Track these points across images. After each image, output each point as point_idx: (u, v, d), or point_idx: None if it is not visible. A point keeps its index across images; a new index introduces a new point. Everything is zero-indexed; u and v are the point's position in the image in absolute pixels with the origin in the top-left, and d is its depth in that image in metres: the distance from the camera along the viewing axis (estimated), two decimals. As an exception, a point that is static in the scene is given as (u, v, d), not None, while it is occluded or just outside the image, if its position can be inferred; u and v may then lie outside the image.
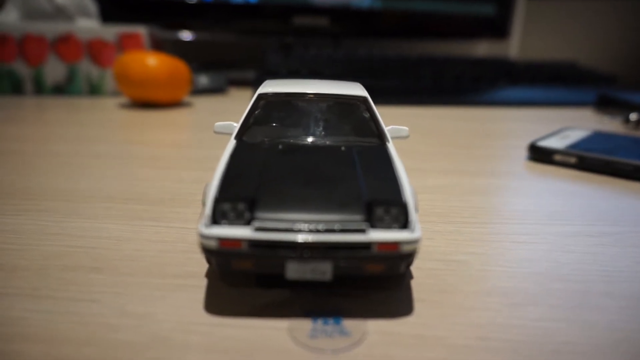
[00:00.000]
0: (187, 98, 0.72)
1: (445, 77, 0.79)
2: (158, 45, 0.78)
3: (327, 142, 0.23)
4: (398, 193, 0.18)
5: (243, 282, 0.20)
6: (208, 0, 0.84)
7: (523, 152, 0.44)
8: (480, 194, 0.33)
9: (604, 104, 0.66)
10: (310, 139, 0.23)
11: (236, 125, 0.25)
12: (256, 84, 0.76)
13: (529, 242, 0.25)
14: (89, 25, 0.70)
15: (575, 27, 1.08)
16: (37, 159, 0.38)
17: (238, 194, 0.18)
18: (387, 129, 0.25)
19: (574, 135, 0.45)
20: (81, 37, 0.68)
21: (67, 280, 0.20)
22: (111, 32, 0.69)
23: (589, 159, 0.38)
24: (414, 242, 0.17)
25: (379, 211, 0.17)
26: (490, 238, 0.26)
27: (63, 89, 0.70)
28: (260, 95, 0.26)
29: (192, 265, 0.22)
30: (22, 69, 0.68)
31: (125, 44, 0.70)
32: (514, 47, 1.09)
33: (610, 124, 0.58)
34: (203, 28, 0.89)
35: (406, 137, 0.26)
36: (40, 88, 0.69)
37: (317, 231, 0.17)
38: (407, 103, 0.70)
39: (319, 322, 0.18)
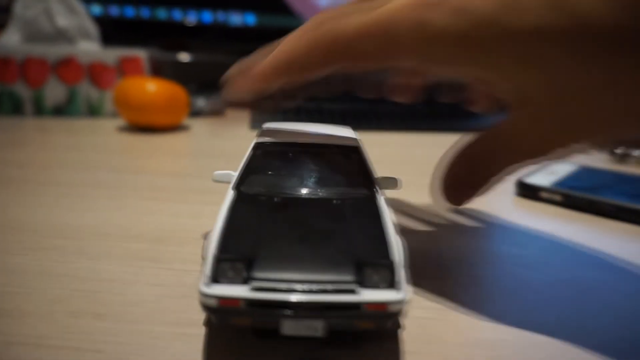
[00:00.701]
0: (185, 120, 0.73)
1: (440, 101, 0.81)
2: (157, 68, 0.79)
3: (320, 194, 0.24)
4: (386, 252, 0.19)
5: (241, 332, 0.21)
6: (207, 22, 0.86)
7: (511, 187, 0.45)
8: (469, 234, 0.34)
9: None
10: (304, 191, 0.24)
11: (234, 175, 0.26)
12: (252, 105, 0.77)
13: (511, 289, 0.27)
14: (90, 49, 0.72)
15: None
16: (37, 187, 0.39)
17: (237, 252, 0.19)
18: (378, 179, 0.26)
19: (561, 170, 0.46)
20: (82, 60, 0.70)
21: (72, 328, 0.21)
22: (112, 55, 0.71)
23: (573, 198, 0.39)
24: (400, 302, 0.18)
25: (368, 271, 0.19)
26: (478, 282, 0.27)
27: (63, 110, 0.71)
28: (258, 145, 0.27)
29: (191, 311, 0.23)
30: (22, 90, 0.69)
31: (125, 67, 0.72)
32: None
33: (598, 157, 0.59)
34: (201, 49, 0.91)
35: (398, 189, 0.27)
36: (40, 109, 0.70)
37: (311, 292, 0.18)
38: (403, 129, 0.72)
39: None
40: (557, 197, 0.40)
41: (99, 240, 0.30)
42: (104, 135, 0.61)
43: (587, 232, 0.35)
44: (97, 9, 0.82)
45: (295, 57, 0.25)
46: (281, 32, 0.96)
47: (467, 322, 0.23)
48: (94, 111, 0.72)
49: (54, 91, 0.70)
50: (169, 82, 0.64)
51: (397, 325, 0.20)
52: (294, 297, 0.18)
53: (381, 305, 0.18)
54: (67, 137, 0.59)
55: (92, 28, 0.75)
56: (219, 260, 0.19)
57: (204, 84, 0.92)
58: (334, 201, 0.23)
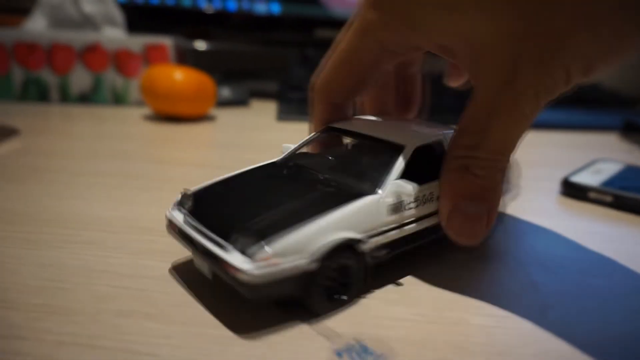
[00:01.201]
0: (211, 111, 0.72)
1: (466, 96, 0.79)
2: (182, 56, 0.78)
3: (325, 176, 0.25)
4: (269, 229, 0.20)
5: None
6: (231, 10, 0.85)
7: (555, 185, 0.43)
8: (517, 234, 0.32)
9: (630, 130, 0.66)
10: (318, 171, 0.26)
11: (290, 148, 0.30)
12: (279, 98, 0.76)
13: (574, 295, 0.25)
14: (115, 35, 0.71)
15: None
16: (67, 178, 0.39)
17: (199, 193, 0.25)
18: (392, 182, 0.24)
19: (607, 169, 0.44)
20: (108, 47, 0.69)
21: (122, 329, 0.20)
22: (137, 42, 0.70)
23: (625, 199, 0.38)
24: (245, 272, 0.19)
25: (235, 236, 0.21)
26: (534, 290, 0.25)
27: (88, 98, 0.70)
28: (326, 128, 0.29)
29: (243, 314, 0.22)
30: (49, 77, 0.69)
31: (150, 54, 0.71)
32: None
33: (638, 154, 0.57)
34: (226, 38, 0.90)
35: (408, 194, 0.24)
36: (65, 96, 0.70)
37: (207, 238, 0.22)
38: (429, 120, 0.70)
39: None
40: (608, 198, 0.38)
41: (138, 234, 0.29)
42: (130, 124, 0.60)
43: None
44: (122, -5, 0.81)
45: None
46: (305, 21, 0.95)
47: (533, 331, 0.22)
48: (119, 99, 0.71)
49: (80, 78, 0.69)
50: (196, 71, 0.62)
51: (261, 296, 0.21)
52: (195, 236, 0.22)
53: (230, 268, 0.20)
54: (94, 125, 0.58)
55: (118, 14, 0.74)
56: (183, 194, 0.25)
57: (228, 72, 0.91)
58: (326, 186, 0.24)
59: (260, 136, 0.57)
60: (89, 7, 0.71)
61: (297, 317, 0.22)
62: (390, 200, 0.24)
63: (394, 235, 0.24)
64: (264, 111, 0.74)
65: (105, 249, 0.27)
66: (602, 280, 0.27)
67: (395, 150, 0.25)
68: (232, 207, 0.24)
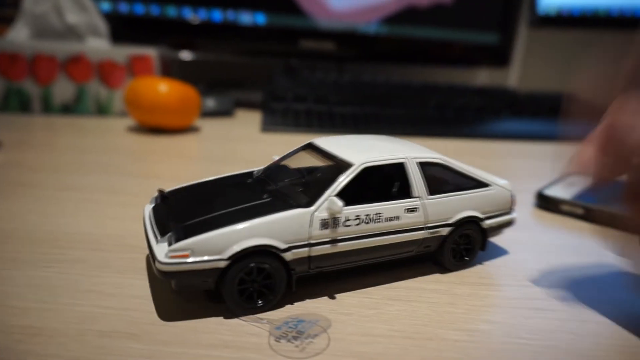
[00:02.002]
0: (195, 123, 0.73)
1: (449, 106, 0.80)
2: (167, 67, 0.78)
3: (278, 188, 0.27)
4: (197, 229, 0.23)
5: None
6: (216, 21, 0.85)
7: (530, 198, 0.45)
8: (493, 248, 0.34)
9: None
10: (280, 181, 0.28)
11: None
12: (263, 109, 0.76)
13: (545, 309, 0.26)
14: (99, 46, 0.71)
15: (575, 58, 1.10)
16: (52, 193, 0.39)
17: (169, 193, 0.29)
18: (326, 199, 0.25)
19: (580, 182, 0.46)
20: (92, 57, 0.69)
21: (105, 349, 0.21)
22: (122, 53, 0.70)
23: (595, 212, 0.39)
24: (158, 261, 0.22)
25: (169, 232, 0.24)
26: (507, 304, 0.27)
27: (71, 109, 0.70)
28: (307, 145, 0.31)
29: (223, 332, 0.22)
30: (31, 87, 0.68)
31: (135, 65, 0.71)
32: (514, 76, 1.11)
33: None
34: (210, 49, 0.90)
35: (337, 211, 0.25)
36: (48, 107, 0.70)
37: (152, 232, 0.25)
38: (412, 133, 0.71)
39: None
40: (579, 210, 0.40)
41: (122, 252, 0.30)
42: (114, 136, 0.60)
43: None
44: (106, 5, 0.81)
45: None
46: (290, 32, 0.96)
47: (504, 345, 0.23)
48: (102, 110, 0.71)
49: (63, 89, 0.69)
50: (180, 83, 0.63)
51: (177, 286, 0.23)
52: (147, 228, 0.26)
53: (153, 256, 0.23)
54: (77, 137, 0.58)
55: (102, 25, 0.74)
56: (159, 190, 0.29)
57: (213, 82, 0.92)
58: (270, 196, 0.26)
59: (244, 148, 0.58)
60: (72, 17, 0.71)
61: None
62: (323, 215, 0.25)
63: (325, 249, 0.25)
64: (248, 121, 0.74)
65: (90, 268, 0.28)
66: (570, 293, 0.28)
67: (343, 168, 0.26)
68: (184, 207, 0.26)
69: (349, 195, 0.25)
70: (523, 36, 1.08)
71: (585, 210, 0.40)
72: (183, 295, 0.25)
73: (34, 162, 0.47)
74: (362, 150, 0.28)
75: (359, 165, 0.26)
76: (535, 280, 0.29)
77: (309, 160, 0.31)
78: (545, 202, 0.42)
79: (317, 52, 0.90)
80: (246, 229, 0.23)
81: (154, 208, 0.27)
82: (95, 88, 0.70)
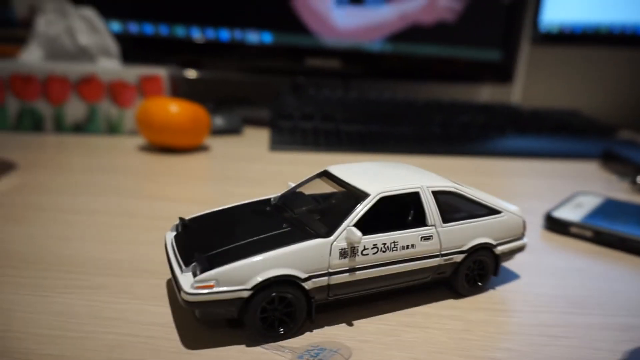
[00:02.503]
0: (205, 142, 0.74)
1: (454, 124, 0.81)
2: (176, 85, 0.80)
3: (298, 217, 0.28)
4: (220, 259, 0.24)
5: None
6: (224, 40, 0.87)
7: (539, 220, 0.45)
8: (503, 271, 0.34)
9: (609, 160, 0.69)
10: (297, 209, 0.29)
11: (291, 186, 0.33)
12: (271, 127, 0.77)
13: (560, 337, 0.27)
14: (110, 67, 0.72)
15: (577, 75, 1.12)
16: (68, 217, 0.40)
17: (193, 220, 0.30)
18: (344, 229, 0.26)
19: (588, 203, 0.46)
20: (103, 78, 0.70)
21: (133, 379, 0.21)
22: (132, 73, 0.71)
23: (604, 235, 0.40)
24: (184, 291, 0.23)
25: (193, 262, 0.24)
26: (522, 330, 0.27)
27: (82, 128, 0.71)
28: (323, 172, 0.32)
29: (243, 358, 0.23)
30: (43, 107, 0.70)
31: (145, 85, 0.72)
32: (517, 92, 1.13)
33: (619, 185, 0.60)
34: (218, 66, 0.92)
35: (356, 241, 0.25)
36: (60, 126, 0.71)
37: (176, 262, 0.26)
38: (417, 152, 0.72)
39: None
40: (588, 233, 0.41)
41: (143, 278, 0.30)
42: (125, 155, 0.61)
43: (623, 271, 0.35)
44: (116, 25, 0.82)
45: None
46: (296, 50, 0.97)
47: (520, 374, 0.23)
48: (113, 129, 0.72)
49: (75, 109, 0.70)
50: (191, 103, 0.64)
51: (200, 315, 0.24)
52: (170, 258, 0.26)
53: (178, 287, 0.24)
54: (90, 157, 0.59)
55: (113, 46, 0.75)
56: (179, 221, 0.29)
57: (220, 101, 0.93)
58: (290, 225, 0.27)
59: (254, 167, 0.59)
60: (84, 39, 0.73)
61: (299, 364, 0.23)
62: (342, 244, 0.25)
63: (344, 277, 0.26)
64: (257, 140, 0.75)
65: (112, 294, 0.28)
66: (582, 318, 0.29)
67: (360, 198, 0.27)
68: (206, 235, 0.27)
69: (366, 225, 0.26)
70: (526, 53, 1.10)
71: (595, 233, 0.40)
72: (206, 323, 0.26)
73: (48, 184, 0.48)
74: (377, 180, 0.29)
75: (376, 195, 0.27)
76: (548, 306, 0.30)
77: (324, 187, 0.31)
78: (554, 225, 0.43)
79: (323, 69, 0.92)
80: (269, 259, 0.24)
81: (175, 237, 0.28)
82: (106, 108, 0.71)
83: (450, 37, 0.93)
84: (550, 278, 0.34)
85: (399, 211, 0.29)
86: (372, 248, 0.26)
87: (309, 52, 0.90)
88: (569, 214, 0.43)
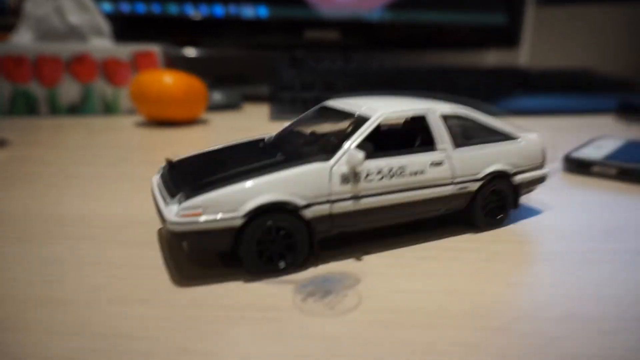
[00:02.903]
0: (203, 115, 0.71)
1: (459, 88, 0.78)
2: (171, 63, 0.77)
3: (293, 148, 0.26)
4: (207, 188, 0.21)
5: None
6: (219, 16, 0.84)
7: (556, 164, 0.43)
8: (522, 208, 0.31)
9: (626, 111, 0.65)
10: (293, 143, 0.27)
11: None
12: (271, 99, 0.75)
13: (597, 261, 0.24)
14: (103, 45, 0.70)
15: (586, 34, 1.08)
16: (62, 181, 0.37)
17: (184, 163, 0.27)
18: (345, 151, 0.23)
19: (608, 145, 0.43)
20: (96, 56, 0.68)
21: (117, 315, 0.19)
22: (125, 51, 0.69)
23: (630, 170, 0.37)
24: (168, 221, 0.21)
25: (178, 193, 0.22)
26: (553, 257, 0.24)
27: (78, 109, 0.69)
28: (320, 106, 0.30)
29: (243, 295, 0.21)
30: (37, 89, 0.68)
31: (139, 62, 0.70)
32: (524, 55, 1.09)
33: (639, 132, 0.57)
34: (214, 44, 0.89)
35: (358, 162, 0.23)
36: (55, 108, 0.69)
37: (161, 196, 0.23)
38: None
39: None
40: (612, 171, 0.38)
41: (133, 229, 0.28)
42: (122, 131, 0.59)
43: (651, 204, 0.32)
44: (107, 6, 0.80)
45: None
46: (294, 24, 0.94)
47: (553, 296, 0.21)
48: (109, 109, 0.70)
49: (69, 90, 0.68)
50: (186, 74, 0.62)
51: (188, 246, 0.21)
52: (155, 195, 0.24)
53: (163, 218, 0.21)
54: (85, 134, 0.57)
55: (104, 24, 0.73)
56: (167, 159, 0.27)
57: (218, 78, 0.91)
58: (285, 155, 0.24)
59: (250, 136, 0.56)
60: (74, 18, 0.71)
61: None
62: (343, 169, 0.23)
63: (347, 206, 0.23)
64: (256, 113, 0.73)
65: (99, 242, 0.26)
66: (619, 244, 0.26)
67: (361, 121, 0.25)
68: (194, 171, 0.24)
69: (369, 150, 0.24)
70: (531, 14, 1.06)
71: (619, 170, 0.37)
72: (198, 263, 0.23)
73: (41, 156, 0.46)
74: (380, 105, 0.26)
75: (378, 117, 0.24)
76: (578, 235, 0.27)
77: (323, 123, 0.29)
78: (575, 165, 0.40)
79: (322, 42, 0.89)
80: (262, 184, 0.21)
81: (162, 176, 0.26)
82: (101, 87, 0.69)
83: (452, 2, 0.90)
84: (576, 212, 0.31)
85: (406, 136, 0.26)
86: (377, 174, 0.23)
87: (307, 25, 0.87)
88: (590, 154, 0.40)
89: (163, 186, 0.24)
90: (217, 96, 0.75)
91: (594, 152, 0.41)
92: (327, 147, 0.24)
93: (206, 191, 0.21)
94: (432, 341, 0.18)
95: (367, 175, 0.23)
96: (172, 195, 0.22)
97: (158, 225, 0.28)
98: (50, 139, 0.53)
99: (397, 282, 0.22)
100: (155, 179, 0.26)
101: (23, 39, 0.70)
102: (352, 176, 0.23)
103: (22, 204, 0.32)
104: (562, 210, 0.31)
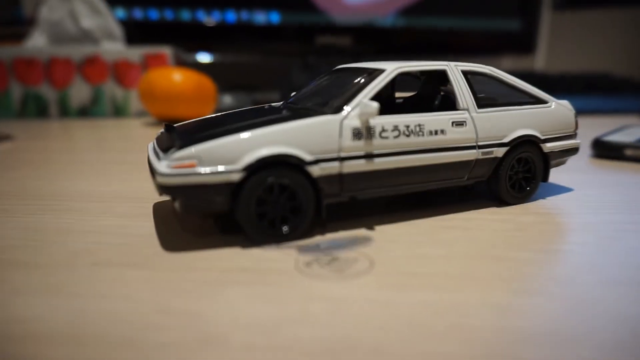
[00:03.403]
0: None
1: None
2: (182, 66, 0.77)
3: (303, 106, 0.24)
4: (203, 139, 0.19)
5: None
6: (231, 22, 0.84)
7: (585, 150, 0.40)
8: (551, 186, 0.29)
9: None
10: (303, 102, 0.25)
11: None
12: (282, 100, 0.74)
13: (634, 231, 0.21)
14: (114, 47, 0.70)
15: (603, 38, 1.05)
16: (63, 166, 0.36)
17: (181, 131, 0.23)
18: (357, 103, 0.21)
19: (638, 132, 0.41)
20: (107, 58, 0.68)
21: (97, 277, 0.17)
22: (136, 53, 0.69)
23: (668, 151, 0.34)
24: (159, 173, 0.18)
25: (172, 148, 0.20)
26: (587, 228, 0.22)
27: (88, 111, 0.69)
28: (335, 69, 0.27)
29: (240, 259, 0.18)
30: (48, 92, 0.67)
31: (150, 64, 0.69)
32: (540, 61, 1.06)
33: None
34: (226, 50, 0.89)
35: (372, 113, 0.20)
36: (65, 111, 0.68)
37: (155, 155, 0.21)
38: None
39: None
40: (647, 153, 0.35)
41: (127, 202, 0.26)
42: (130, 130, 0.58)
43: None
44: (121, 12, 0.81)
45: None
46: (306, 29, 0.93)
47: (598, 262, 0.18)
48: (119, 111, 0.69)
49: (79, 92, 0.68)
50: (195, 72, 0.61)
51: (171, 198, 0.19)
52: (149, 155, 0.22)
53: (154, 172, 0.19)
54: (92, 131, 0.56)
55: (117, 29, 0.73)
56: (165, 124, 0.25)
57: (229, 83, 0.90)
58: (293, 112, 0.22)
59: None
60: (87, 22, 0.71)
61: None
62: (355, 122, 0.20)
63: (359, 166, 0.21)
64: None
65: (90, 214, 0.24)
66: (662, 218, 0.23)
67: (375, 75, 0.22)
68: (193, 130, 0.22)
69: (385, 108, 0.21)
70: (547, 20, 1.04)
71: (655, 152, 0.34)
72: (194, 233, 0.21)
73: (46, 147, 0.45)
74: (397, 63, 0.24)
75: (393, 70, 0.22)
76: (613, 208, 0.24)
77: (337, 83, 0.27)
78: (605, 149, 0.37)
79: (335, 47, 0.88)
80: (263, 136, 0.19)
81: (157, 138, 0.24)
82: (111, 89, 0.69)
83: (465, 8, 0.89)
84: (609, 189, 0.28)
85: (425, 94, 0.24)
86: (393, 130, 0.21)
87: (319, 30, 0.86)
88: (621, 138, 0.38)
89: (158, 146, 0.22)
90: (228, 99, 0.74)
91: (625, 137, 0.38)
92: (338, 100, 0.22)
93: (202, 142, 0.19)
94: (455, 303, 0.15)
95: (382, 131, 0.21)
96: (166, 151, 0.20)
97: (153, 199, 0.26)
98: (56, 135, 0.52)
99: (414, 248, 0.19)
100: (151, 143, 0.24)
101: (37, 42, 0.70)
102: (365, 131, 0.21)
103: (20, 184, 0.31)
104: (593, 188, 0.29)
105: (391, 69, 0.22)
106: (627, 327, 0.14)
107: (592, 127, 0.54)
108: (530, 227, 0.22)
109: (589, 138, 0.44)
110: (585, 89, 0.78)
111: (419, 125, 0.22)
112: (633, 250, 0.19)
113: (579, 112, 0.67)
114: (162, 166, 0.19)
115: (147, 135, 0.52)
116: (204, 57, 0.90)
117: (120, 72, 0.69)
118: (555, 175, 0.31)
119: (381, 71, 0.22)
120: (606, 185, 0.29)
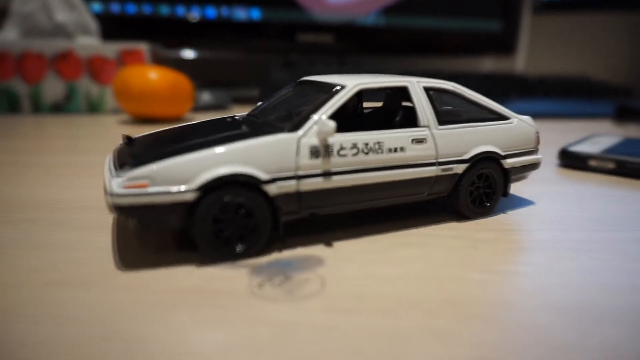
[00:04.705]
0: (189, 114, 0.70)
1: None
2: (160, 64, 0.76)
3: (263, 121, 0.24)
4: (157, 159, 0.19)
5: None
6: (210, 18, 0.83)
7: (552, 159, 0.40)
8: (513, 198, 0.29)
9: (623, 116, 0.64)
10: (263, 117, 0.25)
11: None
12: (261, 98, 0.73)
13: (586, 250, 0.22)
14: (89, 42, 0.68)
15: (582, 42, 1.07)
16: (30, 169, 0.35)
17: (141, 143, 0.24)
18: (315, 122, 0.21)
19: (605, 141, 0.41)
20: (81, 53, 0.67)
21: (49, 298, 0.17)
22: (112, 48, 0.68)
23: (630, 164, 0.35)
24: (109, 194, 0.18)
25: (125, 166, 0.20)
26: (542, 246, 0.22)
27: (62, 107, 0.68)
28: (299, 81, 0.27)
29: (193, 278, 0.18)
30: (19, 87, 0.66)
31: (126, 60, 0.68)
32: (520, 62, 1.08)
33: (638, 132, 0.55)
34: (206, 46, 0.88)
35: (329, 132, 0.20)
36: (38, 106, 0.67)
37: (109, 172, 0.20)
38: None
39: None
40: (610, 165, 0.36)
41: (86, 213, 0.26)
42: (104, 127, 0.57)
43: (652, 197, 0.30)
44: (97, 6, 0.79)
45: None
46: (287, 27, 0.92)
47: (539, 284, 0.18)
48: (94, 107, 0.68)
49: (52, 87, 0.67)
50: (172, 71, 0.60)
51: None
52: (105, 171, 0.21)
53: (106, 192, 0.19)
54: (64, 129, 0.55)
55: (92, 23, 0.72)
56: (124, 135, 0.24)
57: (208, 80, 0.89)
58: (251, 128, 0.22)
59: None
60: (61, 16, 0.69)
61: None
62: (313, 140, 0.21)
63: (317, 183, 0.21)
64: (244, 112, 0.71)
65: (48, 225, 0.24)
66: (610, 233, 0.24)
67: (335, 92, 0.22)
68: (151, 145, 0.22)
69: (344, 123, 0.21)
70: (527, 23, 1.05)
71: (618, 164, 0.35)
72: (152, 249, 0.21)
73: (15, 147, 0.44)
74: (359, 78, 0.24)
75: (353, 87, 0.22)
76: (570, 225, 0.25)
77: (299, 98, 0.27)
78: (571, 159, 0.38)
79: (316, 46, 0.88)
80: (218, 155, 0.19)
81: (117, 149, 0.23)
82: (86, 85, 0.67)
83: (447, 8, 0.89)
84: (570, 203, 0.29)
85: (385, 111, 0.24)
86: (352, 148, 0.21)
87: (300, 28, 0.86)
88: (587, 148, 0.38)
89: (115, 160, 0.22)
90: (206, 96, 0.73)
91: (591, 147, 0.39)
92: (296, 117, 0.22)
93: (156, 161, 0.19)
94: (398, 328, 0.15)
95: (340, 149, 0.21)
96: (122, 166, 0.20)
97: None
98: (29, 133, 0.51)
99: (368, 268, 0.19)
100: (109, 156, 0.24)
101: (8, 36, 0.69)
102: (322, 149, 0.21)
103: (-24, 190, 0.30)
104: (555, 201, 0.29)
105: (351, 85, 0.22)
106: (561, 355, 0.14)
107: (566, 133, 0.55)
108: (485, 245, 0.22)
109: (560, 144, 0.45)
110: (562, 92, 0.79)
111: (378, 142, 0.22)
112: (581, 272, 0.20)
113: (555, 115, 0.68)
114: (114, 185, 0.18)
115: (118, 134, 0.51)
116: (182, 54, 0.89)
117: (95, 68, 0.67)
118: (520, 187, 0.32)
119: (342, 87, 0.22)
120: (568, 199, 0.30)
